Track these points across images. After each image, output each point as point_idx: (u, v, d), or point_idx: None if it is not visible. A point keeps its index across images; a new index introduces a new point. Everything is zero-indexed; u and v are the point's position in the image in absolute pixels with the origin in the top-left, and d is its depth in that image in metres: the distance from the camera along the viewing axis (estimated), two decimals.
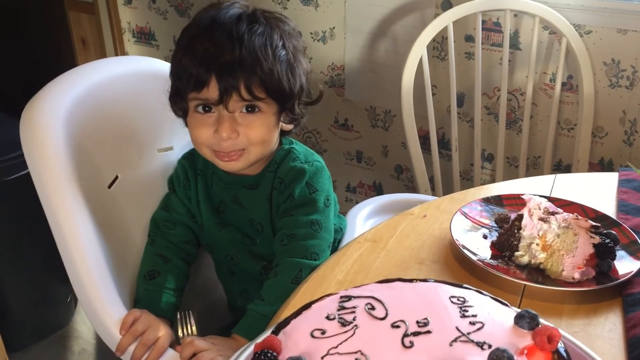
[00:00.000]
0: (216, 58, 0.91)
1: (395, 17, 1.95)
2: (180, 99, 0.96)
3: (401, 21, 1.94)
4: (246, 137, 0.94)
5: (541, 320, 0.61)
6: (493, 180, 1.91)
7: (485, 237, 0.98)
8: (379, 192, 2.22)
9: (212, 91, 0.91)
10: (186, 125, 0.99)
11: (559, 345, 0.58)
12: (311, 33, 2.14)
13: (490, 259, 0.93)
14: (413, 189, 2.06)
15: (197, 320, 1.16)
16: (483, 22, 1.75)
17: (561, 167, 1.84)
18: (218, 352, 0.86)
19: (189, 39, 0.95)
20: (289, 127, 1.04)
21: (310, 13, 2.11)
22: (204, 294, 1.17)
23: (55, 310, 1.99)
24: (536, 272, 0.90)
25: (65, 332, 1.98)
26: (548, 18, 1.65)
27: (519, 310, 0.61)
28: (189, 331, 0.94)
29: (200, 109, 0.95)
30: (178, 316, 0.96)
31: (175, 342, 0.92)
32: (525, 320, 0.59)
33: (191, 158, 1.08)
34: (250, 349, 0.66)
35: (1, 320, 1.67)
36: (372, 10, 1.98)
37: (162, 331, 0.91)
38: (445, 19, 1.68)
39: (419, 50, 1.67)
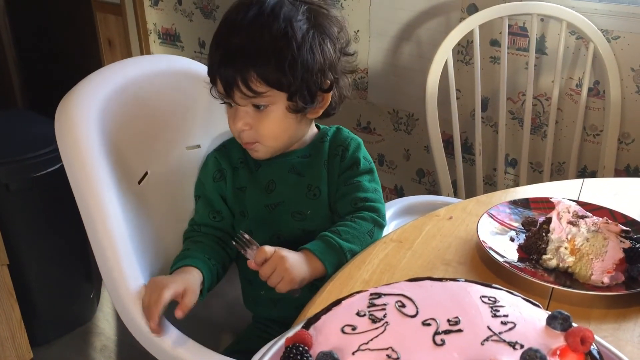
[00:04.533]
0: (218, 64, 0.96)
1: (420, 20, 1.95)
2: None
3: (426, 25, 1.94)
4: (256, 131, 1.00)
5: (573, 322, 0.60)
6: (516, 185, 1.89)
7: (512, 239, 0.98)
8: (400, 195, 2.22)
9: (219, 86, 0.97)
10: None
11: (592, 347, 0.58)
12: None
13: (518, 261, 0.92)
14: (435, 193, 2.06)
15: (218, 320, 1.18)
16: (509, 26, 1.74)
17: (586, 173, 1.82)
18: (286, 259, 0.91)
19: (212, 38, 1.00)
20: (317, 113, 1.04)
21: None
22: (225, 292, 1.18)
23: (79, 307, 2.02)
24: (564, 275, 0.90)
25: (87, 328, 2.01)
26: (575, 23, 1.64)
27: (550, 312, 0.61)
28: (252, 247, 0.95)
29: (221, 101, 1.01)
30: (234, 242, 0.97)
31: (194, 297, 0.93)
32: (558, 321, 0.59)
33: (224, 150, 1.10)
34: (280, 342, 0.66)
35: (26, 314, 1.70)
36: (397, 14, 1.98)
37: (167, 285, 0.89)
38: (471, 23, 1.67)
39: (444, 54, 1.67)
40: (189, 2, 2.46)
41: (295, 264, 0.92)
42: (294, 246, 1.05)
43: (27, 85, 3.28)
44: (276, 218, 1.07)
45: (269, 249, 0.91)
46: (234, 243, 0.97)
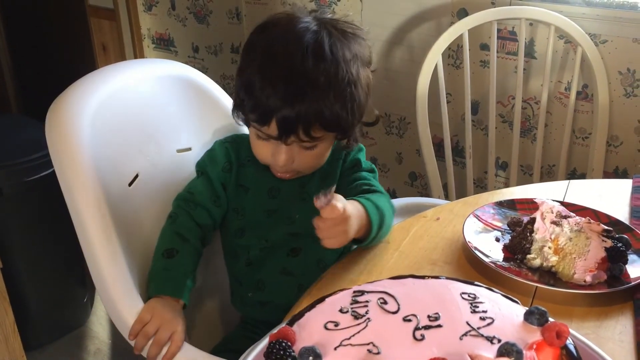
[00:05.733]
0: (277, 109, 0.91)
1: (411, 25, 1.97)
2: (242, 114, 0.99)
3: (417, 29, 1.96)
4: (300, 165, 0.99)
5: (550, 317, 0.62)
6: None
7: (497, 239, 0.99)
8: (393, 198, 2.23)
9: (272, 129, 0.94)
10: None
11: (568, 341, 0.59)
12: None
13: (503, 261, 0.94)
14: (427, 195, 2.07)
15: (205, 320, 1.18)
16: (498, 30, 1.77)
17: (575, 175, 1.84)
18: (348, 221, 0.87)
19: (256, 71, 0.93)
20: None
21: None
22: (216, 291, 1.19)
23: (72, 311, 2.02)
24: (548, 274, 0.91)
25: (81, 332, 2.02)
26: (563, 27, 1.66)
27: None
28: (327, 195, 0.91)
29: (260, 134, 0.97)
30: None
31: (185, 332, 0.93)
32: (535, 317, 0.60)
33: (235, 144, 1.09)
34: (266, 341, 0.67)
35: (19, 319, 1.70)
36: (388, 18, 2.01)
37: (176, 325, 0.90)
38: (461, 27, 1.69)
39: (434, 58, 1.69)
40: (182, 8, 2.48)
41: (353, 225, 0.88)
42: (280, 250, 1.07)
43: (21, 90, 3.29)
44: (269, 223, 1.07)
45: (340, 205, 0.85)
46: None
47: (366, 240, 0.95)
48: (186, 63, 1.23)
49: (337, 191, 0.95)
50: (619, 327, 0.82)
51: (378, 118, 1.09)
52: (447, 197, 1.83)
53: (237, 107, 1.00)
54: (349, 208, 0.86)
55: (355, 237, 0.92)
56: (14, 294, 1.68)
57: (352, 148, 1.07)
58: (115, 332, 2.00)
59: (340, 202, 0.84)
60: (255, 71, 0.93)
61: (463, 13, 1.84)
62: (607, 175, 1.78)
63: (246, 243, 1.08)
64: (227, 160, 1.07)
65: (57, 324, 1.98)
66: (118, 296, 0.93)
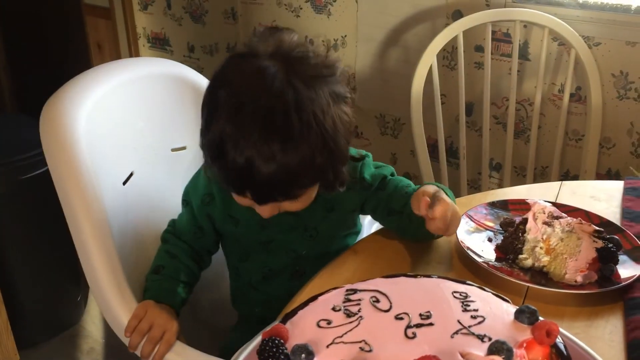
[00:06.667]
0: (250, 180, 0.81)
1: (406, 26, 1.98)
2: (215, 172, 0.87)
3: (412, 30, 1.97)
4: (287, 209, 0.90)
5: (540, 316, 0.62)
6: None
7: (490, 240, 1.00)
8: None
9: (249, 198, 0.85)
10: None
11: (558, 340, 0.60)
12: (323, 41, 2.17)
13: (495, 261, 0.94)
14: None
15: (203, 318, 1.18)
16: (493, 32, 1.77)
17: (568, 177, 1.85)
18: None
19: (219, 136, 0.81)
20: None
21: (323, 21, 2.15)
22: (212, 289, 1.19)
23: (66, 309, 2.02)
24: (539, 274, 0.92)
25: (74, 330, 2.01)
26: (557, 29, 1.67)
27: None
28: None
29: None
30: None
31: (181, 333, 0.94)
32: (525, 315, 0.61)
33: None
34: (259, 338, 0.68)
35: (13, 317, 1.70)
36: (384, 19, 2.01)
37: (168, 324, 0.91)
38: (456, 29, 1.70)
39: (429, 59, 1.70)
40: (178, 7, 2.48)
41: (455, 206, 0.90)
42: (282, 274, 1.05)
43: (16, 88, 3.28)
44: (269, 252, 1.03)
45: (443, 208, 0.85)
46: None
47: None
48: (182, 62, 1.23)
49: (375, 211, 0.99)
50: (609, 327, 0.83)
51: (363, 157, 1.03)
52: None
53: (208, 166, 0.88)
54: (442, 195, 0.88)
55: None
56: (7, 293, 1.67)
57: (344, 185, 0.93)
58: (108, 331, 1.99)
59: (436, 199, 0.86)
60: (223, 138, 0.81)
61: (458, 15, 1.85)
62: (599, 176, 1.79)
63: (249, 267, 1.06)
64: (206, 193, 0.99)
65: (51, 322, 1.98)
66: (112, 295, 0.93)
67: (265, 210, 0.88)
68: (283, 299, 0.97)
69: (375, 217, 1.06)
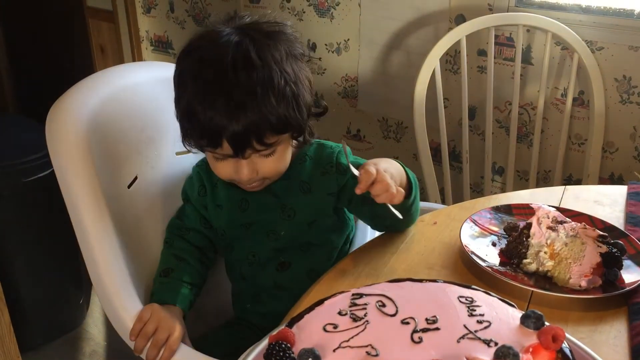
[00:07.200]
0: (224, 128, 0.89)
1: (409, 30, 1.98)
2: (192, 141, 0.96)
3: (415, 34, 1.98)
4: (265, 172, 0.97)
5: (546, 322, 0.63)
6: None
7: (494, 244, 1.00)
8: None
9: (225, 149, 0.92)
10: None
11: (564, 345, 0.60)
12: (326, 44, 2.17)
13: (499, 265, 0.95)
14: (424, 200, 2.07)
15: (205, 318, 1.18)
16: (496, 36, 1.78)
17: (571, 181, 1.85)
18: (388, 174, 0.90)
19: (193, 97, 0.91)
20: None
21: (326, 25, 2.15)
22: (213, 293, 1.19)
23: (68, 312, 2.02)
24: (543, 279, 0.92)
25: (76, 333, 2.01)
26: (560, 34, 1.68)
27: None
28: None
29: (216, 155, 0.96)
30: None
31: (186, 336, 0.94)
32: (531, 320, 0.61)
33: (204, 166, 1.09)
34: (265, 342, 0.68)
35: (15, 319, 1.70)
36: (387, 23, 2.02)
37: (173, 328, 0.91)
38: (459, 33, 1.71)
39: (431, 63, 1.70)
40: (181, 10, 2.49)
41: (394, 176, 0.93)
42: (268, 265, 1.08)
43: (19, 91, 3.29)
44: (251, 237, 1.07)
45: (372, 168, 0.88)
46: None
47: (411, 195, 0.99)
48: None
49: (351, 201, 1.03)
50: (614, 331, 0.83)
51: (326, 107, 1.05)
52: (443, 202, 1.84)
53: (185, 137, 0.97)
54: (382, 165, 0.91)
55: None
56: (10, 295, 1.68)
57: (310, 142, 1.04)
58: (110, 334, 2.00)
59: (371, 165, 0.90)
60: (192, 97, 0.91)
61: (461, 19, 1.85)
62: (602, 181, 1.79)
63: (236, 257, 1.11)
64: (200, 184, 1.08)
65: (53, 325, 1.98)
66: (117, 298, 0.94)
67: (244, 169, 0.94)
68: (271, 292, 1.06)
69: (351, 209, 1.10)
